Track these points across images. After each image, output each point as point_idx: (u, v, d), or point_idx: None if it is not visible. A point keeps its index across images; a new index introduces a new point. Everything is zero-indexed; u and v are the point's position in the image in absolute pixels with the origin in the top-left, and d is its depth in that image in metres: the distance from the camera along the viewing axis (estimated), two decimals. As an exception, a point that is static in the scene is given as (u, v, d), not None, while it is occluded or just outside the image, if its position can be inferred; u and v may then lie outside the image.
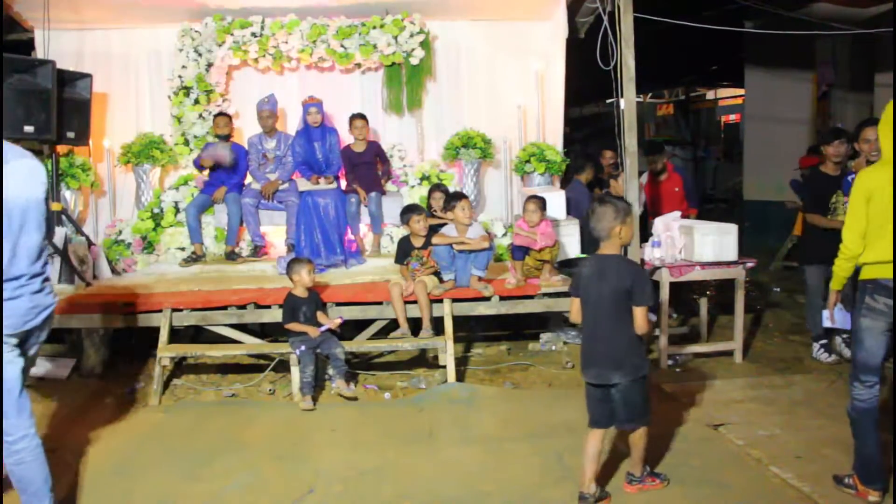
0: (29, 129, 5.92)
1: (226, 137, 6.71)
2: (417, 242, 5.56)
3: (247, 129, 7.14)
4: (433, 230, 5.58)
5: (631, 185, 5.63)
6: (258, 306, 5.42)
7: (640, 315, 3.26)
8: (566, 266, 5.73)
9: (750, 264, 5.50)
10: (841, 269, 3.45)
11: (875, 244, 3.27)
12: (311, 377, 4.85)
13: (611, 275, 3.30)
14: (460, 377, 5.19)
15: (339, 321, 5.00)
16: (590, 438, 3.33)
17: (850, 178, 5.13)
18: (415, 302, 5.31)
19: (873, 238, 3.28)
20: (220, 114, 6.85)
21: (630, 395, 3.31)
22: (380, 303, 5.43)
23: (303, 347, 4.86)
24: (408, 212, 5.67)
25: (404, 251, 5.59)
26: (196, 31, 7.01)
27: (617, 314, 3.28)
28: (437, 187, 6.44)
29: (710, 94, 17.98)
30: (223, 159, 6.55)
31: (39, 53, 6.74)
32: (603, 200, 3.43)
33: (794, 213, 8.16)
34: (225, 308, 5.41)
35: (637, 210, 5.66)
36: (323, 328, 4.94)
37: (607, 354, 3.30)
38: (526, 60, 7.18)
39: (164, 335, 5.20)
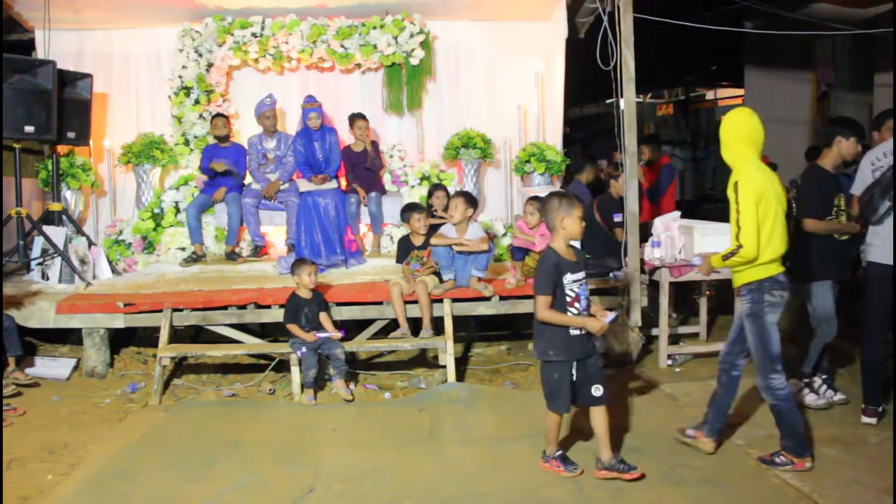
0: (29, 129, 5.94)
1: (224, 138, 6.71)
2: (417, 241, 5.57)
3: (247, 129, 7.14)
4: (433, 229, 5.58)
5: (630, 185, 5.63)
6: (258, 306, 5.43)
7: (536, 302, 3.50)
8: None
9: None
10: (732, 265, 3.63)
11: (768, 244, 3.53)
12: (314, 379, 4.86)
13: None
14: (460, 377, 5.19)
15: (340, 334, 5.00)
16: None
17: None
18: (415, 302, 5.32)
19: (766, 239, 3.52)
20: (218, 115, 6.84)
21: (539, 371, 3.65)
22: (380, 303, 5.43)
23: (304, 349, 4.86)
24: (408, 210, 5.69)
25: (405, 250, 5.59)
26: (196, 32, 7.01)
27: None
28: (438, 187, 6.44)
29: (709, 95, 17.95)
30: (233, 168, 6.56)
31: (40, 53, 6.74)
32: (551, 193, 3.64)
33: None
34: (225, 308, 5.41)
35: (636, 208, 5.68)
36: (322, 334, 4.94)
37: None
38: (526, 60, 7.18)
39: (164, 335, 5.21)
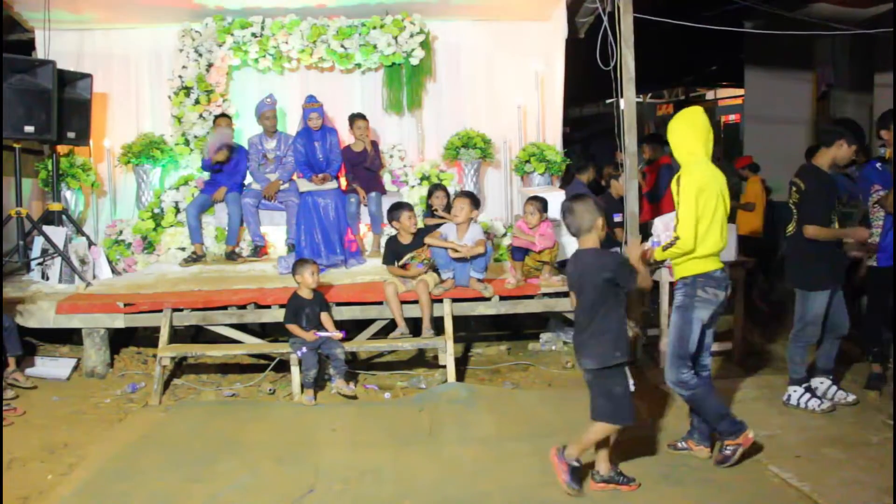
0: (29, 129, 5.94)
1: (227, 138, 6.71)
2: (406, 240, 5.54)
3: (247, 129, 7.14)
4: (430, 230, 5.57)
5: (631, 185, 5.63)
6: (258, 306, 5.43)
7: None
8: (566, 266, 5.72)
9: (750, 264, 5.50)
10: (670, 256, 3.66)
11: (706, 238, 3.56)
12: (314, 379, 4.86)
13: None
14: (460, 377, 5.19)
15: (340, 335, 5.00)
16: None
17: (877, 165, 4.76)
18: (413, 301, 5.31)
19: (703, 232, 3.56)
20: (222, 115, 6.85)
21: (595, 383, 3.42)
22: (380, 303, 5.44)
23: (304, 349, 4.86)
24: (399, 209, 5.59)
25: (393, 251, 5.58)
26: (196, 32, 7.02)
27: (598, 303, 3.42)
28: (438, 187, 6.44)
29: (709, 94, 17.95)
30: (229, 139, 6.54)
31: (40, 53, 6.75)
32: (577, 197, 3.59)
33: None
34: (225, 308, 5.42)
35: (636, 208, 5.68)
36: (322, 334, 4.93)
37: (580, 341, 3.48)
38: (526, 60, 7.19)
39: (164, 335, 5.21)
